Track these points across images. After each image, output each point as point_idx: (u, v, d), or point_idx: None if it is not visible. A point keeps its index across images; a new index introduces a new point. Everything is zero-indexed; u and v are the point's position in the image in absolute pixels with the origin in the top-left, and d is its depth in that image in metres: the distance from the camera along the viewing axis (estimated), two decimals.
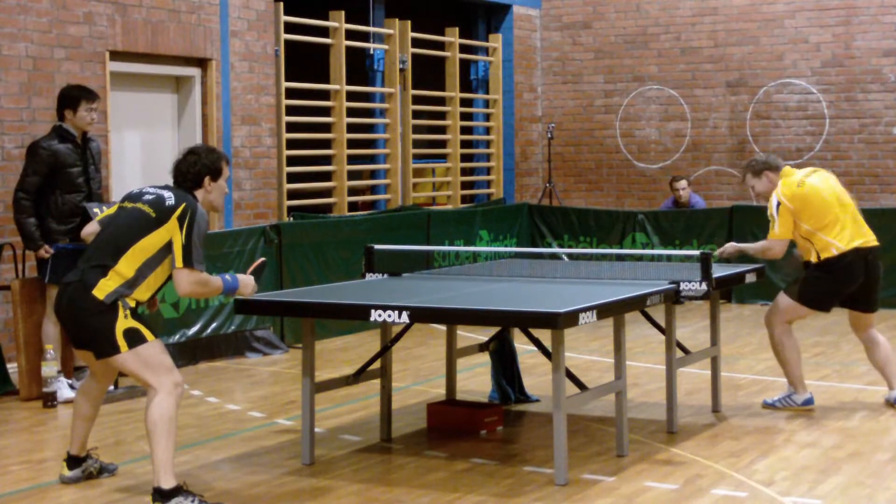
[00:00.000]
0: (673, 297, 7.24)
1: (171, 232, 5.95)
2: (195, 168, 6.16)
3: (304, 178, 13.25)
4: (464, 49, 15.68)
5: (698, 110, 15.99)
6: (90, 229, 6.40)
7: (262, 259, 6.59)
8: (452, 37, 15.23)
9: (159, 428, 5.85)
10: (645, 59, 16.28)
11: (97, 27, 10.47)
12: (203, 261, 6.05)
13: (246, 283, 6.28)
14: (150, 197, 6.08)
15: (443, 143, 15.43)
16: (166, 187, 6.16)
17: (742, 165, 8.38)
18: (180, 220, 5.95)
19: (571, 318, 6.21)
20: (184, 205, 5.99)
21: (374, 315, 6.47)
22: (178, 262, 5.94)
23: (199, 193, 6.18)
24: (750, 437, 7.53)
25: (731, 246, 8.35)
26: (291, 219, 12.33)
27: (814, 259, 8.21)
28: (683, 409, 8.14)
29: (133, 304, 5.99)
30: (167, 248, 5.97)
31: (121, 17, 10.67)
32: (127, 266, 5.95)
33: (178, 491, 5.89)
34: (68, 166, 8.70)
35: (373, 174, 14.46)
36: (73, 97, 8.79)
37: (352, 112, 13.73)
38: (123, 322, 5.92)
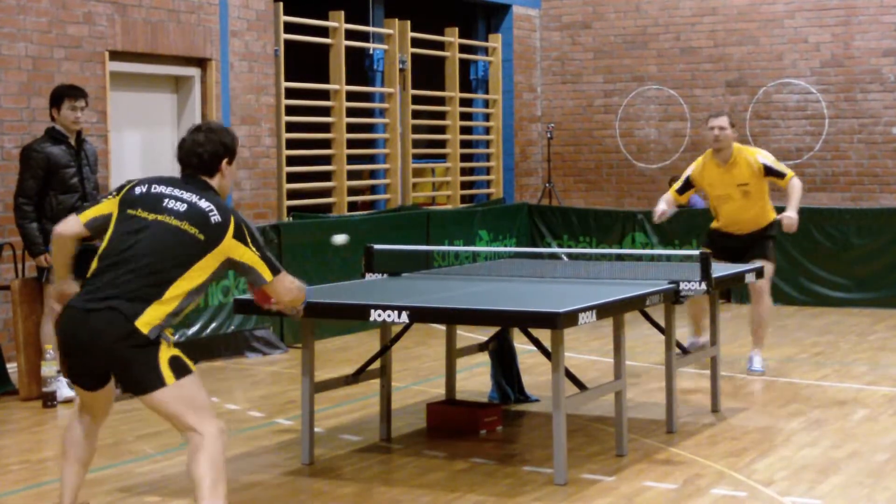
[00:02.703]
0: (672, 297, 7.24)
1: (228, 253, 5.23)
2: (212, 148, 5.38)
3: (303, 178, 13.25)
4: (463, 49, 15.68)
5: (698, 110, 15.98)
6: (70, 230, 5.46)
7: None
8: (452, 37, 15.23)
9: (211, 478, 5.06)
10: (644, 58, 16.29)
11: (97, 27, 10.47)
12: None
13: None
14: (183, 208, 5.24)
15: (442, 143, 15.43)
16: (186, 186, 5.35)
17: (718, 112, 9.98)
18: (238, 237, 5.24)
19: (571, 318, 6.21)
20: (232, 219, 5.25)
21: (374, 315, 6.47)
22: (267, 275, 5.30)
23: (214, 180, 5.41)
24: (749, 437, 7.54)
25: (794, 219, 9.37)
26: (291, 219, 12.33)
27: (771, 217, 9.60)
28: (683, 408, 8.14)
29: (171, 333, 5.28)
30: (218, 270, 5.28)
31: (120, 17, 10.68)
32: (174, 297, 5.16)
33: None
34: (62, 167, 8.70)
35: (372, 174, 14.46)
36: (57, 95, 8.80)
37: (351, 112, 13.73)
38: (166, 351, 5.14)
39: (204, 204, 5.25)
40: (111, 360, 5.16)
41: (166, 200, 5.27)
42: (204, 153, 5.36)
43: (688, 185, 9.81)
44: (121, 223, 5.29)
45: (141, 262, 5.15)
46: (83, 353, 5.20)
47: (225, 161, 5.40)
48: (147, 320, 5.10)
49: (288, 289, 5.43)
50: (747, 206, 9.51)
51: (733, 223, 9.59)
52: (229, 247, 5.22)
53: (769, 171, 9.50)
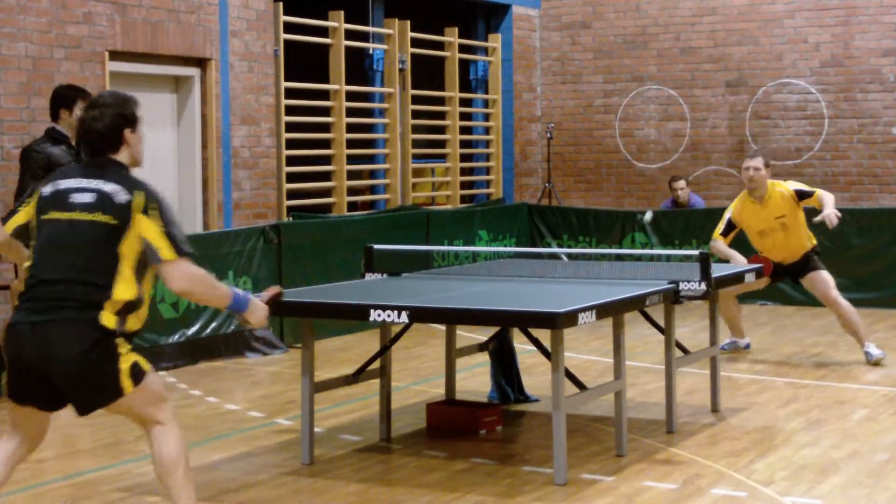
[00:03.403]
0: (672, 297, 7.24)
1: (138, 229, 4.97)
2: (110, 122, 5.08)
3: (303, 178, 13.25)
4: (463, 49, 15.68)
5: (697, 110, 15.99)
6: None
7: (279, 289, 5.80)
8: (452, 37, 15.23)
9: (181, 466, 5.07)
10: (644, 58, 16.28)
11: (97, 27, 10.47)
12: (190, 247, 5.09)
13: (256, 307, 5.32)
14: (92, 199, 5.01)
15: (442, 143, 15.43)
16: (90, 171, 5.09)
17: (754, 152, 10.31)
18: (145, 212, 4.97)
19: (570, 318, 6.21)
20: (138, 193, 5.00)
21: (374, 315, 6.47)
22: (167, 253, 4.96)
23: (123, 154, 5.13)
24: (749, 437, 7.54)
25: (829, 213, 9.54)
26: (291, 219, 12.33)
27: (813, 243, 10.10)
28: (683, 408, 8.15)
29: (130, 332, 5.04)
30: (142, 250, 5.01)
31: (120, 17, 10.68)
32: (125, 289, 4.96)
33: None
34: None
35: (372, 174, 14.47)
36: (69, 97, 8.79)
37: (351, 112, 13.73)
38: (127, 357, 4.97)
39: (110, 188, 5.01)
40: (65, 376, 4.92)
41: (73, 195, 5.04)
42: (103, 129, 5.09)
43: (730, 226, 10.13)
44: (41, 230, 5.09)
45: (74, 268, 4.95)
46: (34, 371, 4.95)
47: (127, 131, 5.13)
48: (107, 319, 4.92)
49: (190, 277, 5.02)
50: (787, 237, 9.96)
51: (777, 255, 10.06)
52: (138, 222, 4.97)
53: (801, 195, 9.91)
